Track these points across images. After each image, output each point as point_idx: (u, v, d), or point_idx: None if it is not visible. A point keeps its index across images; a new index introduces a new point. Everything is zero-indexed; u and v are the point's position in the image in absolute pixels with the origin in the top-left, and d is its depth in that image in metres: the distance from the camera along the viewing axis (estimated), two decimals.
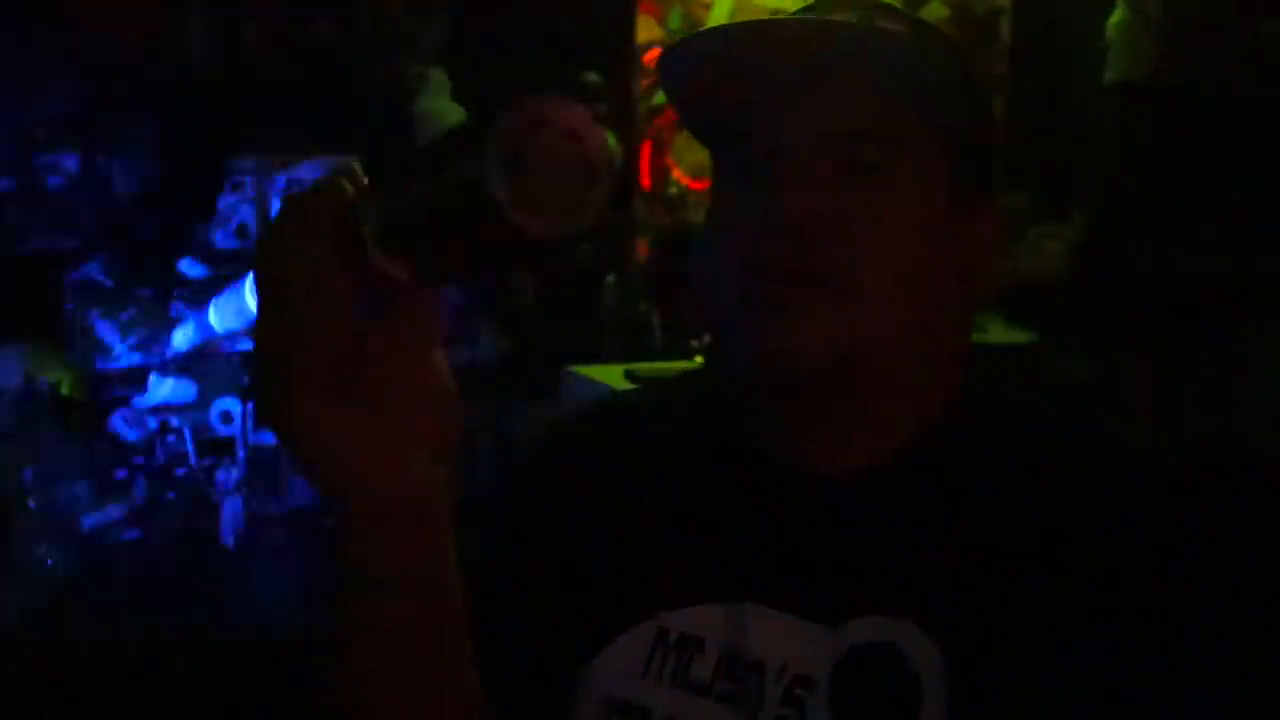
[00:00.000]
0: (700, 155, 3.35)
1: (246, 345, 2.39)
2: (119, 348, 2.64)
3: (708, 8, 3.32)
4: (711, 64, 0.85)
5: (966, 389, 0.89)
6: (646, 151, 3.39)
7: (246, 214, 2.79)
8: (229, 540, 2.40)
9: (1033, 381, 0.98)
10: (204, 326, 2.51)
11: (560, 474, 1.00)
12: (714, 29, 0.87)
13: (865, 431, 0.87)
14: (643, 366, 2.39)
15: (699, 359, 2.60)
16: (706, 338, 2.72)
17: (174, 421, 2.54)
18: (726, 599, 0.86)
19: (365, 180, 0.62)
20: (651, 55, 3.35)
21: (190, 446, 2.52)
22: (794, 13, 0.91)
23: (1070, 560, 0.80)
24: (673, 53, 0.87)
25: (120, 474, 2.48)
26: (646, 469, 0.95)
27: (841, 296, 0.82)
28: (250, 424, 2.52)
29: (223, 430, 2.54)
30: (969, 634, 0.79)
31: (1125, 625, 0.78)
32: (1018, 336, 2.97)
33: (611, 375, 2.37)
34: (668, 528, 0.91)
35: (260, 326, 0.61)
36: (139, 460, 2.50)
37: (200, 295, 2.65)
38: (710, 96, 0.87)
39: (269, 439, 2.49)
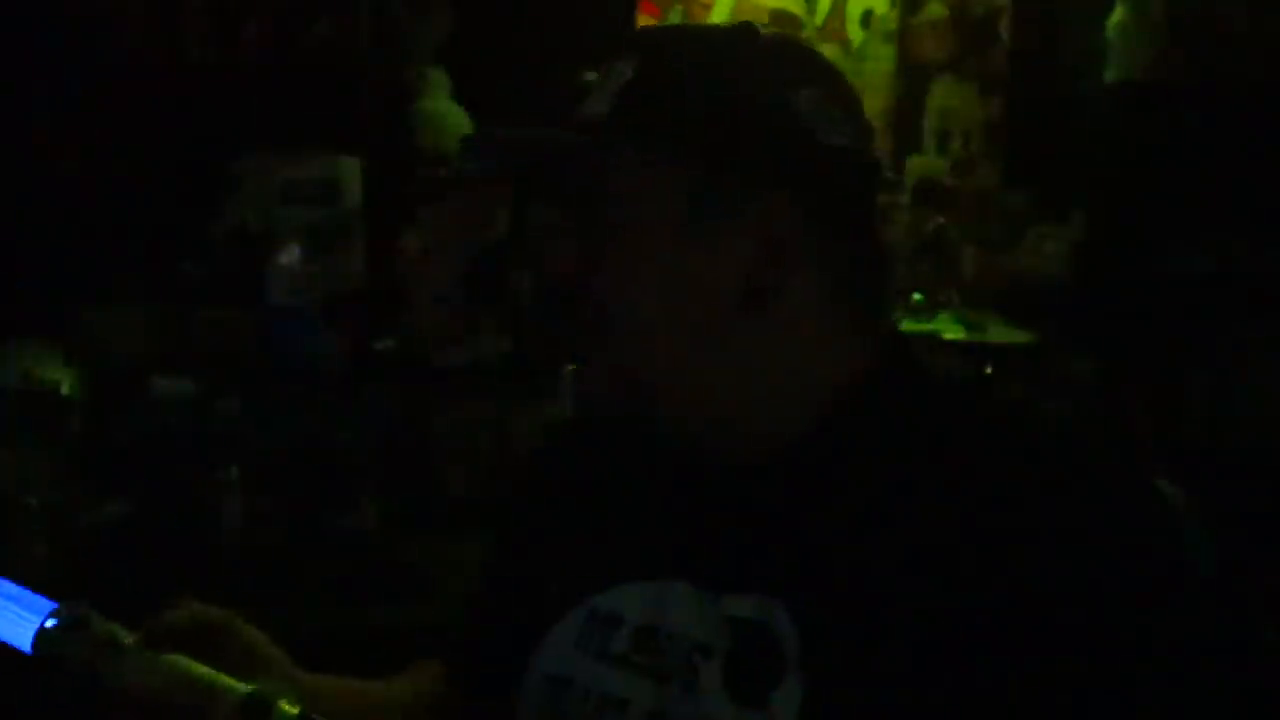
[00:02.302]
0: None
1: None
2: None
3: (708, 8, 3.32)
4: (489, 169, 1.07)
5: (868, 380, 0.92)
6: None
7: (246, 214, 2.79)
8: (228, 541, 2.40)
9: (1029, 380, 0.98)
10: None
11: (534, 477, 1.13)
12: (476, 141, 1.05)
13: (729, 437, 0.93)
14: None
15: None
16: None
17: (174, 421, 2.54)
18: (645, 577, 0.94)
19: None
20: None
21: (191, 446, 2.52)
22: None
23: (943, 560, 0.82)
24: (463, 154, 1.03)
25: (120, 474, 2.48)
26: (593, 468, 1.05)
27: (610, 348, 0.91)
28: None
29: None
30: (827, 620, 0.84)
31: (986, 629, 0.79)
32: (1018, 336, 2.97)
33: None
34: (602, 518, 1.01)
35: None
36: (139, 459, 2.50)
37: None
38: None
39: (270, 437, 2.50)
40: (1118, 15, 3.10)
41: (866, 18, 3.37)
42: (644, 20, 3.36)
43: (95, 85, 2.79)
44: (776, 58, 0.94)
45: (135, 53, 2.85)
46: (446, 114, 3.08)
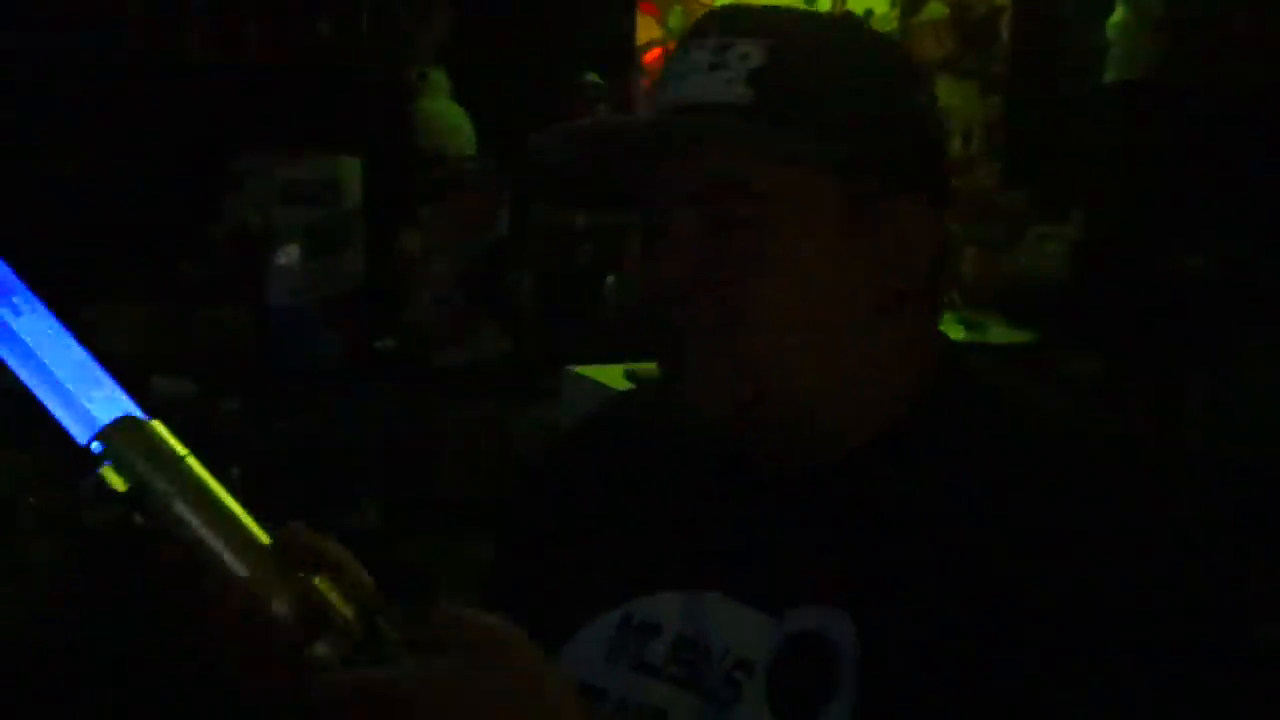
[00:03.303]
0: None
1: None
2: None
3: (707, 8, 3.31)
4: (567, 155, 0.92)
5: (931, 387, 0.90)
6: None
7: (246, 214, 2.79)
8: None
9: (1030, 380, 0.97)
10: None
11: (551, 476, 1.08)
12: (558, 133, 0.94)
13: (806, 443, 0.90)
14: (643, 366, 2.39)
15: None
16: None
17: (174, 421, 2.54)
18: (686, 587, 0.90)
19: None
20: (652, 55, 3.35)
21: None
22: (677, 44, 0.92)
23: (1005, 570, 0.80)
24: (540, 148, 0.93)
25: None
26: (623, 468, 1.00)
27: (738, 346, 0.85)
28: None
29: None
30: (888, 626, 0.81)
31: (1044, 642, 0.78)
32: (1018, 336, 2.97)
33: (611, 375, 2.37)
34: (637, 522, 0.96)
35: None
36: None
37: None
38: (588, 177, 0.93)
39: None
40: (1118, 15, 3.10)
41: (867, 17, 3.37)
42: (644, 20, 3.36)
43: (95, 85, 2.79)
44: (891, 54, 0.93)
45: (136, 53, 2.85)
46: (446, 114, 3.09)
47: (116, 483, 0.76)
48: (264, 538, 0.74)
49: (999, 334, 2.97)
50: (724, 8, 0.91)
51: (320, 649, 0.72)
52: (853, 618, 0.82)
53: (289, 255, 2.74)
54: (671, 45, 3.34)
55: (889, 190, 0.87)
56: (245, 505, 0.76)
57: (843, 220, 0.86)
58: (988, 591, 0.80)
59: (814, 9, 3.32)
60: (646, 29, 3.36)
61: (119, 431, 0.75)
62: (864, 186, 0.86)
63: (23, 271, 0.79)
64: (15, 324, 0.78)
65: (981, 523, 0.82)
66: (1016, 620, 0.79)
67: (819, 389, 0.87)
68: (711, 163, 0.85)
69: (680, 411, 0.90)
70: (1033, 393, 0.93)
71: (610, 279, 3.07)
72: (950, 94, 3.44)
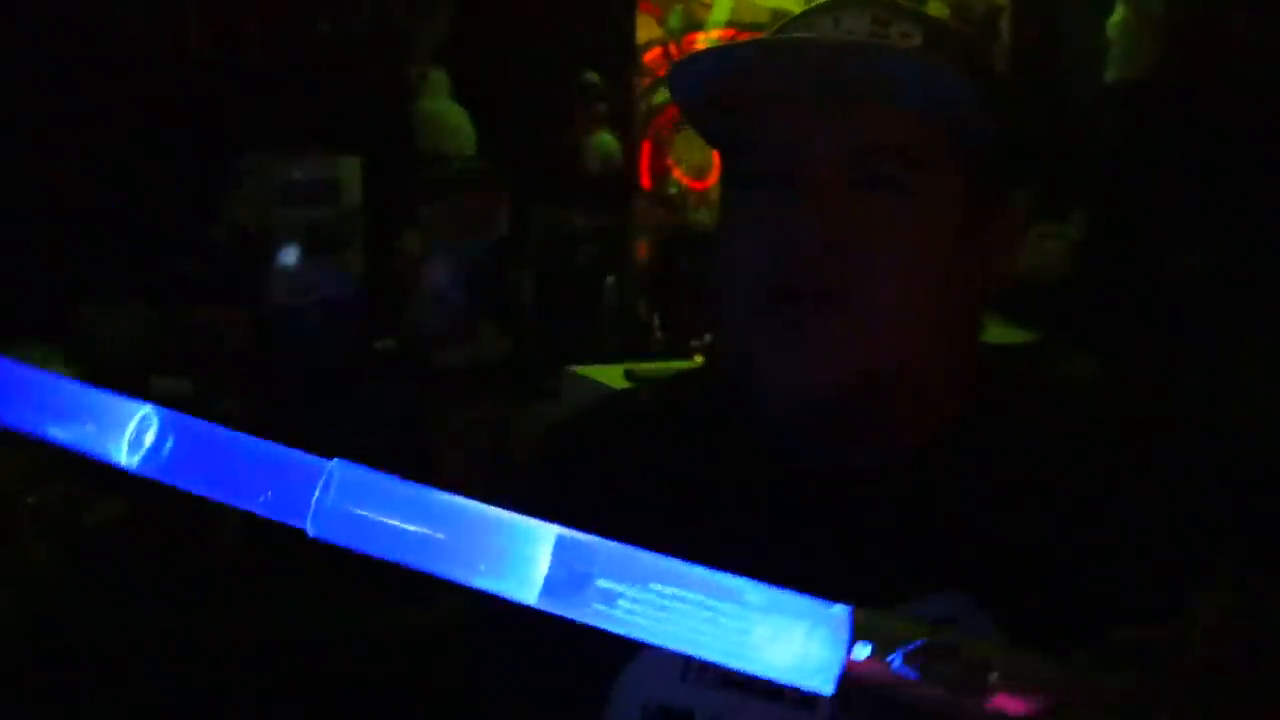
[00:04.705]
0: (700, 155, 3.35)
1: None
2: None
3: (708, 7, 3.32)
4: (724, 78, 0.85)
5: (982, 383, 0.91)
6: (646, 151, 3.39)
7: (246, 214, 2.79)
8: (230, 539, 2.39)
9: (1037, 378, 1.00)
10: None
11: (570, 479, 0.99)
12: (728, 46, 0.88)
13: (884, 433, 0.89)
14: (643, 366, 2.39)
15: (699, 359, 2.60)
16: (707, 338, 2.72)
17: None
18: None
19: None
20: (652, 55, 3.36)
21: None
22: (804, 12, 0.90)
23: (1089, 532, 0.84)
24: (685, 64, 0.88)
25: (120, 474, 2.47)
26: (661, 471, 0.94)
27: (861, 315, 0.83)
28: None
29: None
30: (1016, 602, 0.82)
31: (1136, 584, 0.80)
32: (1018, 336, 2.97)
33: (611, 375, 2.37)
34: (692, 529, 0.89)
35: None
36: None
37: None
38: (721, 108, 0.87)
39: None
40: (1118, 14, 3.10)
41: None
42: (644, 20, 3.36)
43: (95, 85, 2.79)
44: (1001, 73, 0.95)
45: (136, 52, 2.85)
46: (446, 114, 3.09)
47: None
48: None
49: (999, 334, 2.97)
50: None
51: None
52: (982, 602, 0.82)
53: (289, 255, 2.74)
54: (672, 46, 3.34)
55: (1001, 192, 0.89)
56: None
57: (967, 214, 0.86)
58: (1095, 565, 0.83)
59: None
60: (646, 29, 3.36)
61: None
62: (983, 186, 0.87)
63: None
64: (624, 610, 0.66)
65: (1058, 507, 0.85)
66: (1121, 572, 0.82)
67: (919, 376, 0.86)
68: (876, 120, 0.83)
69: (768, 389, 0.87)
70: (1046, 385, 0.96)
71: (610, 279, 3.07)
72: None
